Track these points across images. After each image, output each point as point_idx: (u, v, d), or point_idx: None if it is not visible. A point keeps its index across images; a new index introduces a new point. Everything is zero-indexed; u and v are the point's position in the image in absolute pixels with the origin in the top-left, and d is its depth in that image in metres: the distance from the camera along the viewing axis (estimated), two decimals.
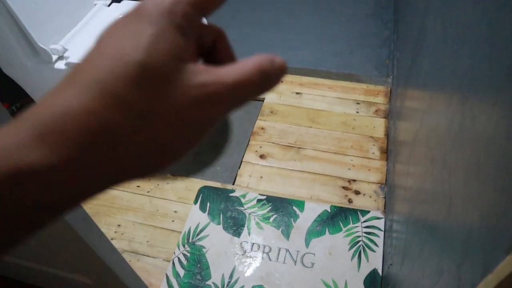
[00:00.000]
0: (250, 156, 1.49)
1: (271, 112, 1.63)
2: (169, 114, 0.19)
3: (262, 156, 1.48)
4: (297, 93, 1.69)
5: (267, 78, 0.21)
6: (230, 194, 1.39)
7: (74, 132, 0.18)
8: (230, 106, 0.21)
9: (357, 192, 1.37)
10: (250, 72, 0.20)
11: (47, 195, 0.18)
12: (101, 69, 0.19)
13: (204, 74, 0.20)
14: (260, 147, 1.51)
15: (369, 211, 1.32)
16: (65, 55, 1.28)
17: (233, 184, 1.42)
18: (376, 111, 1.61)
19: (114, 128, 0.18)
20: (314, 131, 1.55)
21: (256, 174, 1.43)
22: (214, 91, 0.19)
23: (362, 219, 1.31)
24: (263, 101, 1.68)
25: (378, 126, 1.55)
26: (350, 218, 1.31)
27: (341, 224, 1.30)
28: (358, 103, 1.63)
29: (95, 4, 1.46)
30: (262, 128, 1.57)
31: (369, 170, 1.42)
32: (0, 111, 0.58)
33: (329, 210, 1.33)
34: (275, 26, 2.06)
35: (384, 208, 1.33)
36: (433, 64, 0.88)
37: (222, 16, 2.15)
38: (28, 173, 0.17)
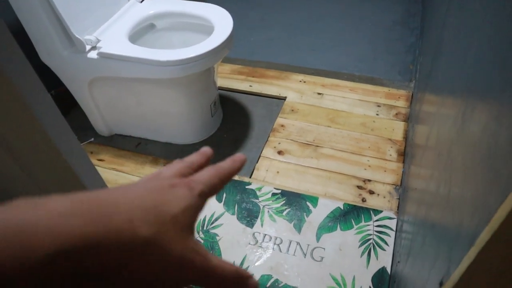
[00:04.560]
0: (268, 152, 1.52)
1: (292, 110, 1.66)
2: (167, 254, 0.24)
3: (280, 152, 1.52)
4: (319, 94, 1.72)
5: (240, 282, 0.27)
6: (246, 187, 1.43)
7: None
8: (199, 280, 0.25)
9: (371, 192, 1.38)
10: (230, 271, 0.26)
11: None
12: (141, 204, 0.24)
13: (201, 247, 0.26)
14: (279, 143, 1.55)
15: (381, 211, 1.33)
16: (98, 45, 1.35)
17: (250, 177, 1.46)
18: (396, 114, 1.61)
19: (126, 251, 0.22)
20: (333, 131, 1.57)
21: (273, 169, 1.47)
22: (201, 260, 0.25)
23: (375, 218, 1.32)
24: (285, 99, 1.71)
25: (398, 129, 1.56)
26: (363, 217, 1.32)
27: (353, 221, 1.32)
28: (378, 106, 1.65)
29: (129, 0, 1.54)
30: (282, 126, 1.61)
31: (385, 171, 1.44)
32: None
33: (342, 208, 1.35)
34: (303, 29, 2.10)
35: (398, 209, 1.34)
36: (446, 70, 0.90)
37: (252, 18, 2.21)
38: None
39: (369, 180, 1.42)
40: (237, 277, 0.27)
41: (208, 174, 0.29)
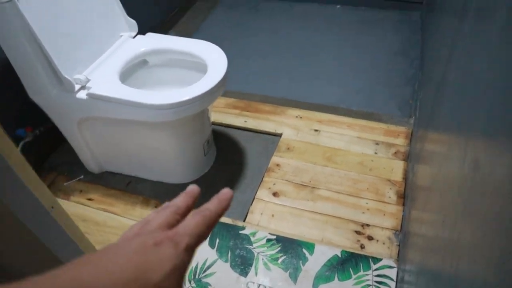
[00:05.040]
0: (263, 193, 1.47)
1: (288, 148, 1.62)
2: None
3: (275, 194, 1.47)
4: (315, 130, 1.67)
5: None
6: (240, 232, 1.37)
7: None
8: None
9: (370, 238, 1.33)
10: None
11: None
12: (125, 273, 0.24)
13: None
14: (274, 184, 1.50)
15: (381, 259, 1.27)
16: (87, 85, 1.31)
17: (244, 221, 1.40)
18: (395, 153, 1.57)
19: None
20: (329, 171, 1.52)
21: (268, 212, 1.42)
22: None
23: (374, 267, 1.26)
24: (280, 136, 1.67)
25: (397, 168, 1.51)
26: (361, 265, 1.27)
27: (351, 271, 1.26)
28: (377, 144, 1.60)
29: (121, 36, 1.50)
30: (277, 165, 1.56)
31: (384, 215, 1.38)
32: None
33: (340, 255, 1.29)
34: (299, 59, 2.06)
35: (398, 257, 1.28)
36: (452, 109, 0.86)
37: (247, 47, 2.17)
38: None
39: (368, 225, 1.36)
40: None
41: (194, 222, 0.29)
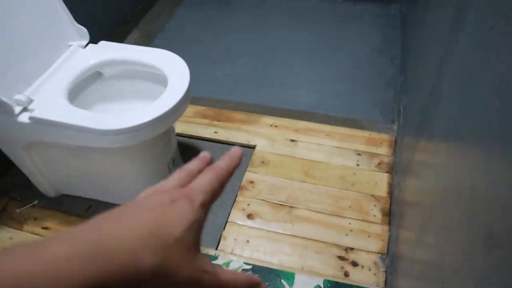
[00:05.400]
0: (236, 215, 1.34)
1: (262, 162, 1.48)
2: (176, 275, 0.23)
3: (249, 216, 1.34)
4: (292, 141, 1.54)
5: None
6: (213, 262, 1.24)
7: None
8: None
9: (354, 264, 1.21)
10: (242, 281, 0.27)
11: None
12: (146, 228, 0.24)
13: (208, 264, 0.26)
14: (248, 204, 1.36)
15: None
16: (30, 107, 1.14)
17: (217, 248, 1.27)
18: (378, 164, 1.45)
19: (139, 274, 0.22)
20: (308, 187, 1.40)
21: (242, 237, 1.29)
22: (210, 278, 0.25)
23: None
24: (254, 148, 1.53)
25: (381, 182, 1.40)
26: None
27: None
28: (359, 154, 1.48)
29: (70, 45, 1.33)
30: (252, 182, 1.43)
31: (369, 236, 1.27)
32: None
33: (322, 286, 1.17)
34: (273, 61, 1.92)
35: (385, 285, 1.17)
36: (453, 116, 0.74)
37: (216, 49, 2.02)
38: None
39: (352, 249, 1.25)
40: (249, 286, 0.27)
41: (207, 179, 0.29)
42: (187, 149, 1.56)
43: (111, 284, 0.20)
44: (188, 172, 0.30)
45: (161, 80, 1.24)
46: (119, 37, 2.06)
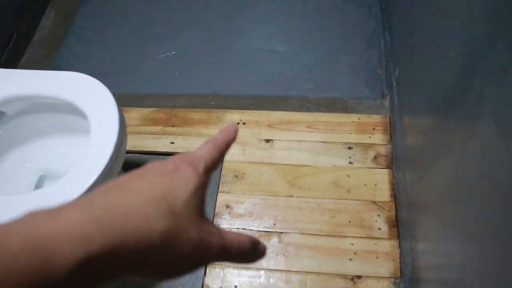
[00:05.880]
0: None
1: (236, 176, 1.21)
2: (187, 241, 0.24)
3: None
4: (267, 141, 1.26)
5: (253, 249, 0.29)
6: None
7: (129, 234, 0.22)
8: (218, 257, 0.26)
9: None
10: (245, 241, 0.28)
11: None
12: (156, 195, 0.24)
13: (213, 225, 0.27)
14: None
15: None
16: None
17: None
18: (374, 157, 1.20)
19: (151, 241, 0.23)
20: (297, 202, 1.15)
21: (228, 284, 1.06)
22: (217, 239, 0.26)
23: None
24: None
25: (381, 182, 1.16)
26: None
27: None
28: (349, 148, 1.22)
29: None
30: (227, 206, 1.16)
31: (377, 257, 1.06)
32: None
33: None
34: (225, 31, 1.55)
35: None
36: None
37: (155, 21, 1.62)
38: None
39: (359, 277, 1.04)
40: (251, 245, 0.28)
41: (207, 148, 0.30)
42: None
43: (126, 246, 0.21)
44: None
45: (78, 111, 0.91)
46: (28, 23, 1.63)
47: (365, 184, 1.16)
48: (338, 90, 1.34)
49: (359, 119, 1.26)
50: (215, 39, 1.51)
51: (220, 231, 0.27)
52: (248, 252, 0.28)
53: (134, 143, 1.30)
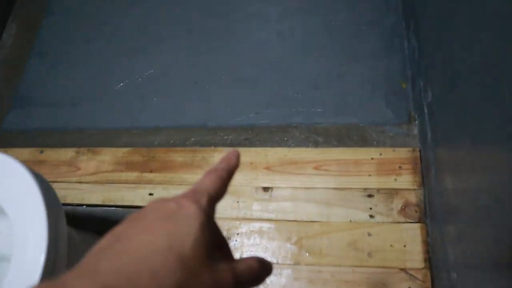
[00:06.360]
0: None
1: (229, 238, 0.98)
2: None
3: None
4: (265, 189, 1.01)
5: (262, 269, 0.28)
6: None
7: None
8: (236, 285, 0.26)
9: None
10: (255, 266, 0.28)
11: None
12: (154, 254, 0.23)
13: (224, 259, 0.28)
14: None
15: None
16: None
17: None
18: (402, 208, 0.94)
19: None
20: (305, 272, 0.92)
21: None
22: (230, 275, 0.25)
23: None
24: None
25: (411, 242, 0.91)
26: None
27: None
28: (370, 196, 0.96)
29: None
30: None
31: None
32: None
33: None
34: (213, 38, 1.27)
35: None
36: None
37: (125, 28, 1.36)
38: None
39: None
40: (260, 266, 0.28)
41: (209, 180, 0.29)
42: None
43: None
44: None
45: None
46: None
47: (391, 245, 0.91)
48: (351, 112, 1.06)
49: (380, 154, 1.00)
50: (199, 52, 1.24)
51: (231, 266, 0.26)
52: (259, 274, 0.28)
53: (108, 195, 1.07)
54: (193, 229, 0.24)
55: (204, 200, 0.27)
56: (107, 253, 0.22)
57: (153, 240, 0.23)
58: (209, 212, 0.27)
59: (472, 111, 0.65)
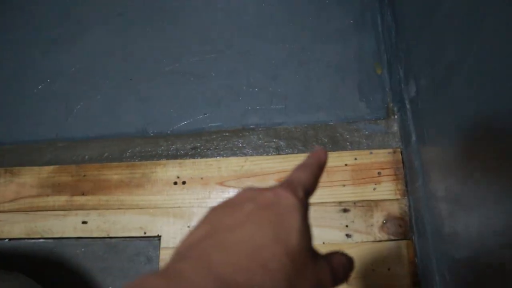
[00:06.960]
0: None
1: None
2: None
3: None
4: None
5: (350, 261, 0.28)
6: None
7: None
8: (334, 283, 0.25)
9: None
10: (344, 259, 0.27)
11: None
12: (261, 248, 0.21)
13: (322, 257, 0.25)
14: None
15: None
16: None
17: None
18: (384, 223, 0.79)
19: None
20: None
21: None
22: (329, 274, 0.25)
23: None
24: (159, 240, 0.84)
25: (396, 264, 0.76)
26: None
27: None
28: (345, 211, 0.80)
29: None
30: None
31: None
32: None
33: None
34: (151, 19, 1.05)
35: None
36: None
37: (46, 10, 1.12)
38: None
39: None
40: (350, 264, 0.27)
41: (302, 172, 0.28)
42: (43, 262, 0.86)
43: None
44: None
45: None
46: None
47: (372, 270, 0.76)
48: (318, 108, 0.89)
49: (355, 159, 0.83)
50: (132, 40, 1.03)
51: (328, 261, 0.25)
52: (348, 270, 0.26)
53: (33, 226, 0.88)
54: (296, 221, 0.23)
55: (301, 192, 0.25)
56: (214, 245, 0.21)
57: (257, 231, 0.22)
58: (305, 204, 0.25)
59: (472, 110, 0.49)
